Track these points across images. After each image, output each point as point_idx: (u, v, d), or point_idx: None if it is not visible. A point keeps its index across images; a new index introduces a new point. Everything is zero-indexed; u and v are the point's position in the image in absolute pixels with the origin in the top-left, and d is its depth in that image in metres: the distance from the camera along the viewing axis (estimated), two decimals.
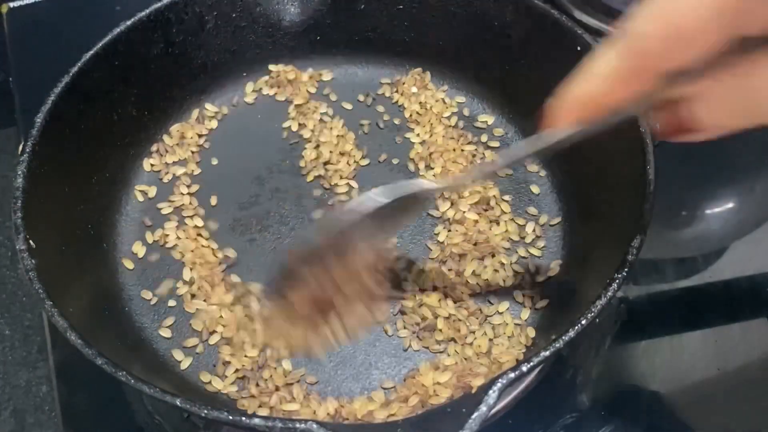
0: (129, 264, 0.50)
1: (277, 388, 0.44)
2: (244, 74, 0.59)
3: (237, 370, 0.45)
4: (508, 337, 0.46)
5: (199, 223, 0.52)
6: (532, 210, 0.52)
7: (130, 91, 0.53)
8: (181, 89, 0.57)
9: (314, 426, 0.33)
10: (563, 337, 0.37)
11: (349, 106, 0.59)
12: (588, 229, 0.49)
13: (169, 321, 0.47)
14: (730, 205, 0.58)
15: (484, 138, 0.56)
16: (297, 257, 0.41)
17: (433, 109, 0.58)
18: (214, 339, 0.46)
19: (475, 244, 0.50)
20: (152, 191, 0.53)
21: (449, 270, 0.49)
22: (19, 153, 0.45)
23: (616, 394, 0.49)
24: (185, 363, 0.46)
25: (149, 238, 0.51)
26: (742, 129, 0.29)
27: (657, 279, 0.54)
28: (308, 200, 0.53)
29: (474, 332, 0.46)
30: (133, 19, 0.52)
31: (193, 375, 0.45)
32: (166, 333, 0.47)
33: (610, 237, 0.44)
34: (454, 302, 0.47)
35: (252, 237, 0.52)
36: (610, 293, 0.38)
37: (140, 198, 0.53)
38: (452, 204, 0.52)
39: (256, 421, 0.35)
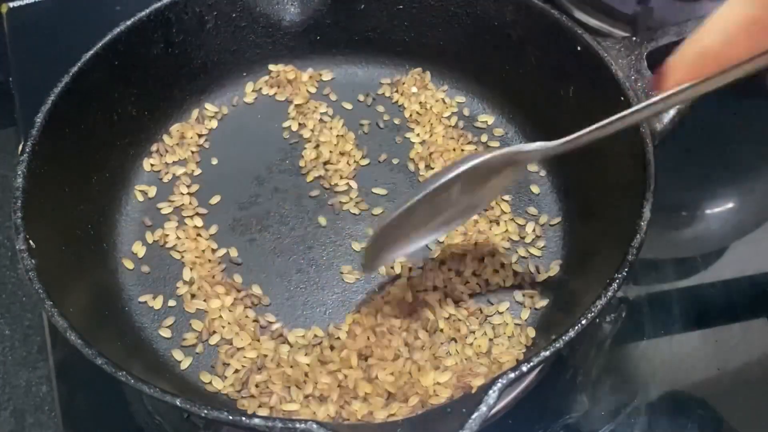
0: (129, 264, 0.50)
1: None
2: (244, 74, 0.59)
3: (237, 371, 0.45)
4: (508, 337, 0.46)
5: (199, 223, 0.52)
6: (532, 210, 0.52)
7: (130, 91, 0.53)
8: (181, 89, 0.57)
9: (314, 426, 0.33)
10: (563, 337, 0.37)
11: (349, 106, 0.59)
12: (588, 229, 0.49)
13: (169, 321, 0.47)
14: (730, 205, 0.58)
15: (484, 138, 0.56)
16: (388, 223, 0.41)
17: (433, 109, 0.58)
18: (214, 339, 0.46)
19: (475, 244, 0.50)
20: (152, 191, 0.53)
21: (449, 270, 0.49)
22: (19, 153, 0.45)
23: (616, 394, 0.49)
24: (185, 363, 0.46)
25: (149, 238, 0.51)
26: None
27: (657, 279, 0.54)
28: (308, 200, 0.53)
29: (474, 332, 0.46)
30: (133, 19, 0.52)
31: (193, 375, 0.45)
32: (165, 333, 0.47)
33: (610, 237, 0.44)
34: (454, 302, 0.47)
35: (252, 237, 0.52)
36: (610, 293, 0.38)
37: (140, 198, 0.53)
38: None
39: (256, 421, 0.35)
